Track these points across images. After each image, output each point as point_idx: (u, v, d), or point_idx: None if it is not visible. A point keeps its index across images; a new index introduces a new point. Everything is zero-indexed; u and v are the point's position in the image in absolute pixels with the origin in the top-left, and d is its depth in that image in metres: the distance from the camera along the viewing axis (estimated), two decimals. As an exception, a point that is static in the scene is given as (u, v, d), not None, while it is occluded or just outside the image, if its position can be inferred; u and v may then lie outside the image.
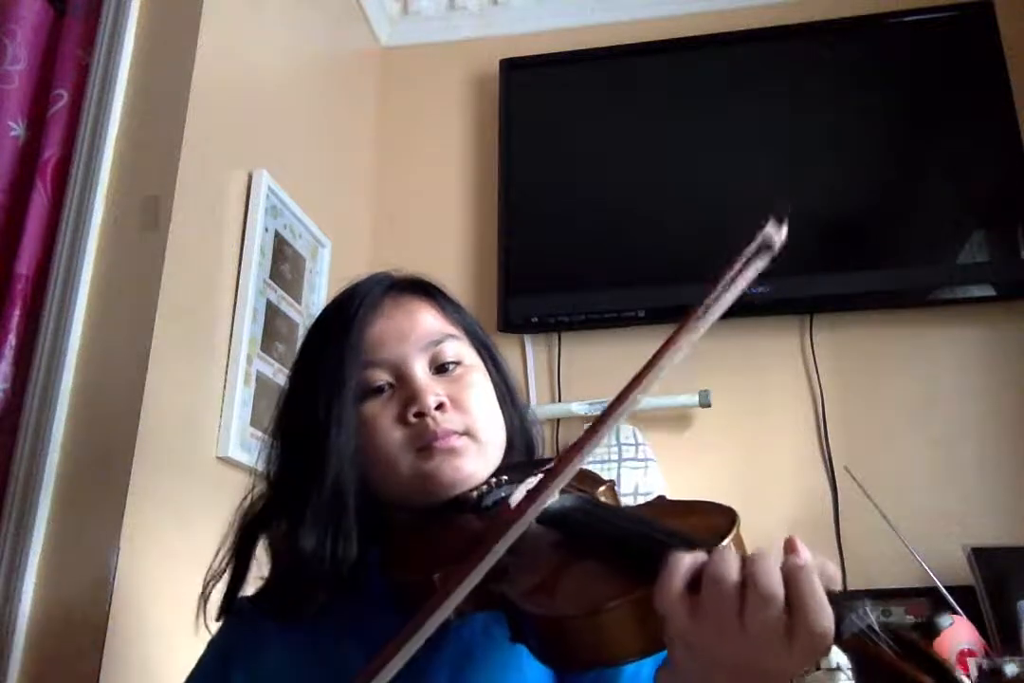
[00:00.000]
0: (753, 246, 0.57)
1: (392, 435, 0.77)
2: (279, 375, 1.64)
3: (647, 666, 0.67)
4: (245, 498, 0.86)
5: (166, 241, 1.34)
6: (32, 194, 1.34)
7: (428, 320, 0.84)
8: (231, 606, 0.83)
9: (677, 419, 1.94)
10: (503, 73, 2.25)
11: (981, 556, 1.57)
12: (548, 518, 0.68)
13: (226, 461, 1.45)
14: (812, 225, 2.01)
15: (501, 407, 0.85)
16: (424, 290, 0.88)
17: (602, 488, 0.78)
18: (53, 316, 1.28)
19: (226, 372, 1.48)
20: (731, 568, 0.53)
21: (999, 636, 1.47)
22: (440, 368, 0.82)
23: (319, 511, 0.76)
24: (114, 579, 1.16)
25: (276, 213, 1.68)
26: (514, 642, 0.64)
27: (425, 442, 0.77)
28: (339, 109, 2.15)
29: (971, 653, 1.40)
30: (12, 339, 1.28)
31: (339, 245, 1.95)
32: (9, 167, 1.37)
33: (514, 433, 0.86)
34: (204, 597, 0.84)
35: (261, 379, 1.58)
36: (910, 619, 1.61)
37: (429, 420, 0.77)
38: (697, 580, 0.53)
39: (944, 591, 1.43)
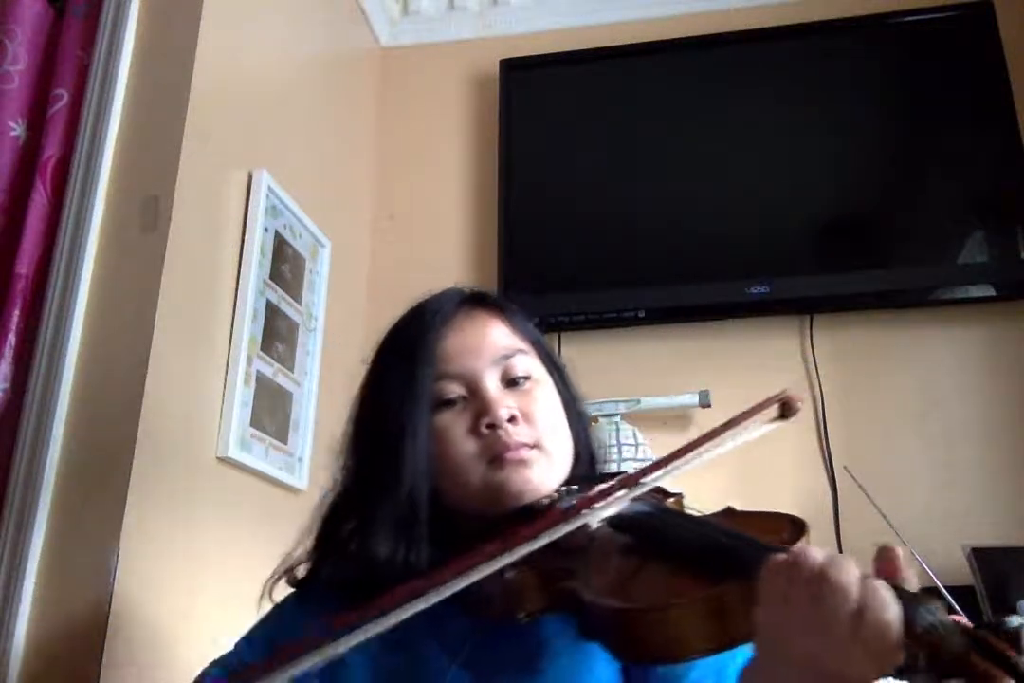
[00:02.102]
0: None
1: (465, 446, 0.80)
2: (279, 375, 1.65)
3: (711, 670, 0.71)
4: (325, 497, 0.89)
5: (166, 241, 1.34)
6: (32, 194, 1.34)
7: (499, 335, 0.86)
8: (306, 584, 0.85)
9: (677, 419, 1.94)
10: (503, 73, 2.25)
11: (981, 556, 1.57)
12: (622, 523, 0.72)
13: (226, 461, 1.45)
14: (812, 225, 2.01)
15: (568, 420, 0.87)
16: (495, 305, 0.90)
17: (671, 500, 0.82)
18: (53, 316, 1.28)
19: (226, 372, 1.48)
20: (812, 561, 0.56)
21: (999, 636, 1.47)
22: (511, 382, 0.84)
23: (393, 519, 0.79)
24: (114, 579, 1.16)
25: (276, 213, 1.68)
26: (583, 638, 0.67)
27: (496, 453, 0.79)
28: (339, 109, 2.15)
29: (971, 653, 1.40)
30: (12, 339, 1.28)
31: (339, 245, 1.95)
32: (9, 167, 1.37)
33: (580, 445, 0.88)
34: (274, 582, 0.86)
35: (261, 379, 1.58)
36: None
37: (501, 432, 0.79)
38: (792, 576, 0.56)
39: (944, 591, 1.43)
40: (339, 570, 0.83)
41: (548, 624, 0.76)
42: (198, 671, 0.85)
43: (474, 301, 0.90)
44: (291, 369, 1.70)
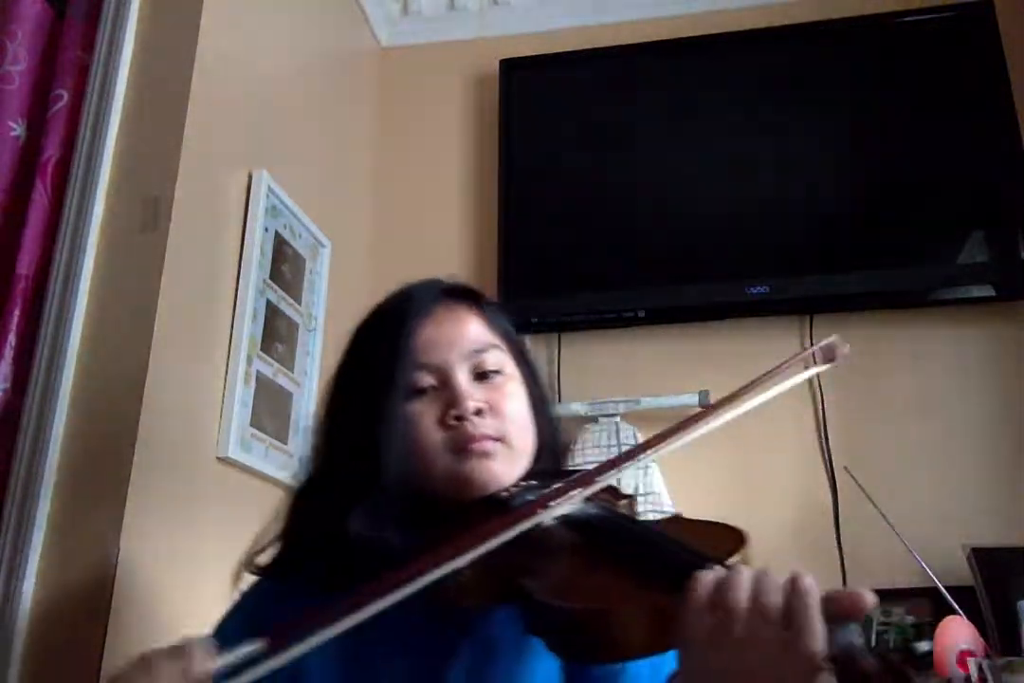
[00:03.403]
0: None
1: (432, 435, 0.83)
2: (279, 375, 1.65)
3: (646, 666, 0.73)
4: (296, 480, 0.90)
5: (166, 241, 1.34)
6: (32, 194, 1.34)
7: (475, 329, 0.89)
8: (276, 571, 0.86)
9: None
10: (503, 73, 2.25)
11: (981, 556, 1.57)
12: (573, 523, 0.75)
13: (226, 461, 1.45)
14: (812, 225, 2.01)
15: (534, 416, 0.89)
16: (473, 299, 0.92)
17: (623, 502, 0.85)
18: (53, 316, 1.28)
19: (226, 372, 1.48)
20: (744, 581, 0.59)
21: (999, 636, 1.47)
22: (481, 375, 0.86)
23: (366, 501, 0.80)
24: (114, 579, 1.16)
25: (276, 213, 1.68)
26: (528, 634, 0.70)
27: (461, 444, 0.82)
28: (339, 109, 2.15)
29: (971, 653, 1.40)
30: (12, 339, 1.28)
31: (339, 245, 1.95)
32: (9, 167, 1.37)
33: (544, 441, 0.90)
34: (244, 566, 0.87)
35: (261, 379, 1.58)
36: (910, 619, 1.61)
37: (467, 424, 0.82)
38: (717, 592, 0.60)
39: (944, 591, 1.43)
40: (311, 553, 0.84)
41: (496, 620, 0.78)
42: None
43: (453, 294, 0.92)
44: (291, 369, 1.70)
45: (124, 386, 1.26)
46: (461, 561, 0.66)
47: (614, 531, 0.75)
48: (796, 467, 1.88)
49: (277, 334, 1.65)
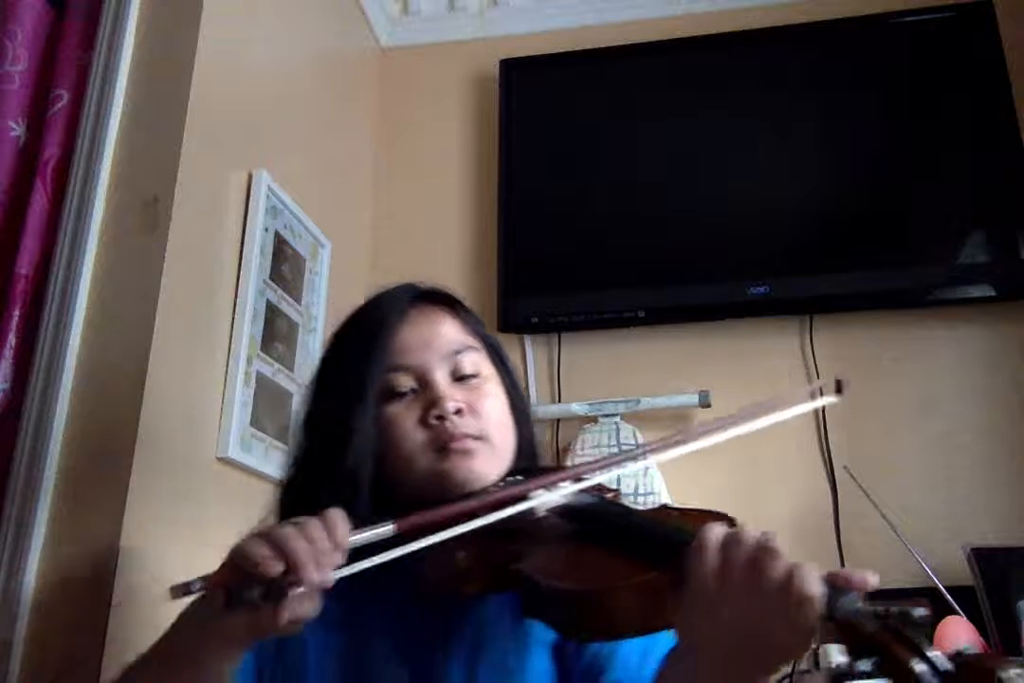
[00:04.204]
0: None
1: (414, 436, 0.84)
2: (279, 375, 1.65)
3: (636, 652, 0.77)
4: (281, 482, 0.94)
5: (166, 241, 1.34)
6: (32, 194, 1.34)
7: (450, 331, 0.90)
8: None
9: (677, 419, 1.94)
10: (503, 73, 2.25)
11: (981, 556, 1.57)
12: (568, 511, 0.78)
13: (226, 461, 1.45)
14: (812, 225, 2.01)
15: (512, 415, 0.91)
16: (447, 302, 0.94)
17: (610, 494, 0.87)
18: (53, 316, 1.28)
19: (226, 372, 1.48)
20: (747, 534, 0.62)
21: (999, 636, 1.47)
22: (460, 377, 0.88)
23: (337, 500, 0.80)
24: (114, 579, 1.16)
25: (276, 213, 1.68)
26: (526, 617, 0.73)
27: (443, 443, 0.84)
28: (339, 109, 2.15)
29: (971, 653, 1.40)
30: (12, 339, 1.28)
31: (339, 245, 1.95)
32: (9, 167, 1.37)
33: (522, 440, 0.92)
34: None
35: (261, 379, 1.58)
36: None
37: (448, 423, 0.84)
38: (724, 549, 0.62)
39: (944, 591, 1.43)
40: None
41: (489, 606, 0.81)
42: None
43: (427, 297, 0.93)
44: (291, 369, 1.70)
45: (124, 386, 1.26)
46: (470, 525, 0.69)
47: (605, 516, 0.78)
48: (796, 467, 1.88)
49: (277, 334, 1.65)
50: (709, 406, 1.86)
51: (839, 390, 0.89)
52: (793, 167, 2.04)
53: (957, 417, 1.86)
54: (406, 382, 0.86)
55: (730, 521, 0.71)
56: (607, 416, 1.89)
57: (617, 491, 0.88)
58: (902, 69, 2.06)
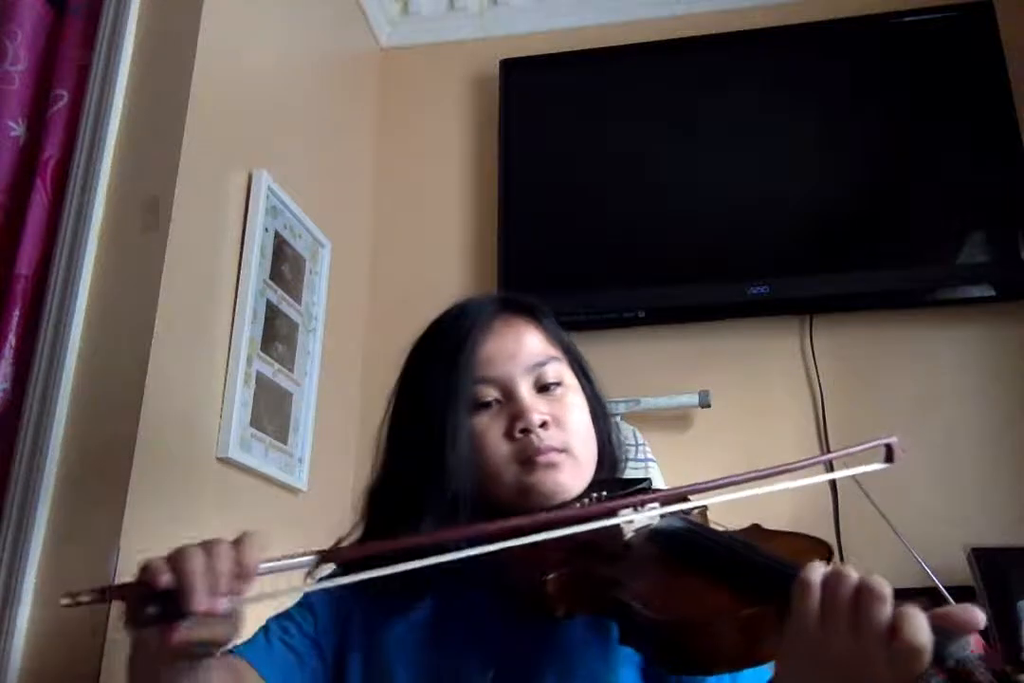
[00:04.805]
0: None
1: (499, 448, 0.85)
2: (279, 375, 1.65)
3: (725, 678, 0.75)
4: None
5: (166, 241, 1.34)
6: (32, 194, 1.34)
7: (534, 342, 0.90)
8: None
9: (677, 419, 1.94)
10: (503, 73, 2.25)
11: (981, 556, 1.57)
12: (658, 536, 0.77)
13: (226, 461, 1.45)
14: (812, 225, 2.01)
15: (594, 424, 0.91)
16: (531, 312, 0.94)
17: (695, 511, 0.85)
18: (53, 316, 1.28)
19: (226, 372, 1.48)
20: (851, 574, 0.60)
21: (999, 636, 1.47)
22: (543, 387, 0.88)
23: (439, 514, 0.82)
24: (114, 579, 1.16)
25: (276, 213, 1.68)
26: (622, 644, 0.72)
27: (528, 456, 0.84)
28: (339, 109, 2.15)
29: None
30: (12, 339, 1.28)
31: (339, 245, 1.95)
32: (9, 167, 1.37)
33: (604, 449, 0.92)
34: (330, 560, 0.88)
35: (261, 379, 1.58)
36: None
37: (533, 437, 0.84)
38: (826, 587, 0.60)
39: (944, 591, 1.43)
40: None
41: (578, 628, 0.80)
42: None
43: (511, 308, 0.93)
44: (291, 369, 1.70)
45: (124, 386, 1.26)
46: (535, 537, 0.68)
47: (701, 543, 0.75)
48: (796, 467, 1.87)
49: (277, 334, 1.65)
50: (709, 406, 1.86)
51: (890, 458, 0.83)
52: (793, 167, 2.04)
53: (957, 417, 1.86)
54: (491, 393, 0.86)
55: (826, 547, 0.71)
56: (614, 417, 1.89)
57: (704, 508, 0.87)
58: (902, 69, 2.06)
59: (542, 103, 2.23)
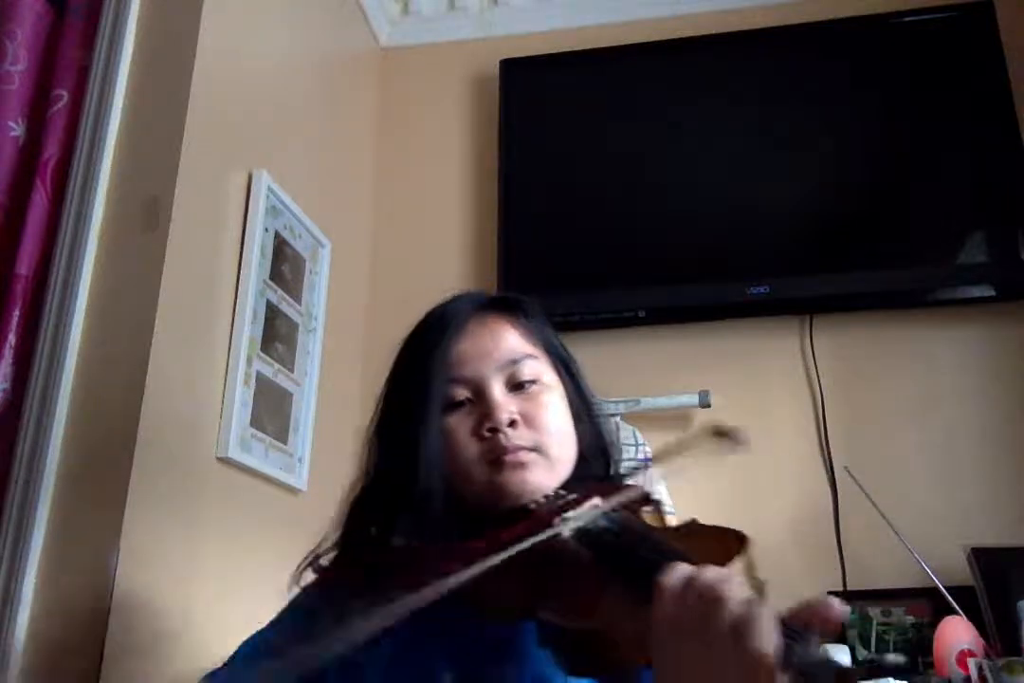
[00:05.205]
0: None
1: (468, 448, 0.84)
2: (279, 375, 1.65)
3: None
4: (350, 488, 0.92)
5: (166, 241, 1.34)
6: (32, 194, 1.34)
7: (510, 340, 0.89)
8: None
9: (677, 419, 1.94)
10: (503, 73, 2.25)
11: (981, 556, 1.57)
12: (584, 536, 0.75)
13: (226, 461, 1.45)
14: (812, 225, 2.01)
15: (575, 424, 0.90)
16: (510, 310, 0.93)
17: (648, 507, 0.84)
18: (53, 316, 1.28)
19: (226, 372, 1.48)
20: (704, 575, 0.59)
21: (999, 636, 1.47)
22: (517, 386, 0.87)
23: (411, 514, 0.83)
24: (114, 579, 1.16)
25: (276, 213, 1.68)
26: (541, 647, 0.71)
27: (496, 456, 0.83)
28: (339, 109, 2.15)
29: (971, 653, 1.40)
30: (12, 339, 1.28)
31: (339, 245, 1.95)
32: (9, 167, 1.37)
33: (587, 448, 0.91)
34: (301, 570, 0.88)
35: (261, 379, 1.58)
36: (910, 619, 1.61)
37: (501, 436, 0.83)
38: (681, 592, 0.59)
39: (944, 591, 1.43)
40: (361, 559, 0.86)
41: (528, 633, 0.78)
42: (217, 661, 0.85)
43: (489, 306, 0.92)
44: (291, 369, 1.70)
45: (124, 386, 1.26)
46: (474, 570, 0.64)
47: (618, 546, 0.74)
48: (796, 467, 1.88)
49: (277, 334, 1.65)
50: (709, 406, 1.86)
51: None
52: (793, 167, 2.04)
53: (957, 417, 1.86)
54: (463, 393, 0.86)
55: (741, 540, 0.69)
56: (607, 416, 1.89)
57: (658, 503, 0.86)
58: (902, 69, 2.06)
59: (542, 103, 2.23)
